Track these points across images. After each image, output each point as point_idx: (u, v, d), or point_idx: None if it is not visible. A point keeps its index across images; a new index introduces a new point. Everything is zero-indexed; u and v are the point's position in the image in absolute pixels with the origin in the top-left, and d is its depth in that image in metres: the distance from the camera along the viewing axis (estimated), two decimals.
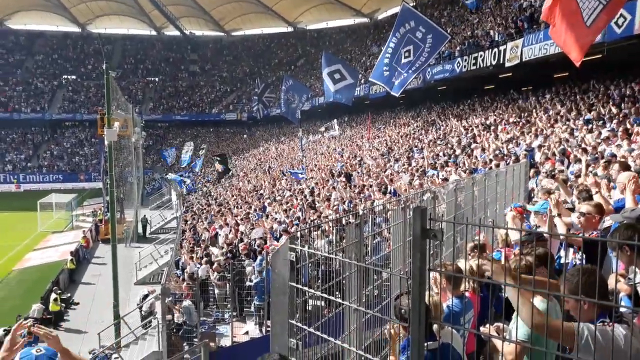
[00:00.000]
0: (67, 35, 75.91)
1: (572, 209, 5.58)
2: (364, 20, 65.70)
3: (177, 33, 77.18)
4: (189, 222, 26.79)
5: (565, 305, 2.82)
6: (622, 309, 2.73)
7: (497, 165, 12.73)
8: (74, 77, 70.96)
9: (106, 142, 18.52)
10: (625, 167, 6.90)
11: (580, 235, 4.64)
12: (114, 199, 19.43)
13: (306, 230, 5.08)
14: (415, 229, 2.26)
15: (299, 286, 3.35)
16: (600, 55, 16.08)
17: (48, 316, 17.69)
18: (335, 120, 34.89)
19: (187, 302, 12.64)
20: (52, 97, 67.75)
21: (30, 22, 73.02)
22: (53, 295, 18.27)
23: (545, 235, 4.66)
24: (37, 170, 61.19)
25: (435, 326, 3.14)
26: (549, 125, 16.79)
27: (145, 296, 16.57)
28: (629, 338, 2.45)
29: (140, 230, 32.82)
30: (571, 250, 4.78)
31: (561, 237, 4.75)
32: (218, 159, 41.98)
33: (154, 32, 78.95)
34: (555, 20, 6.97)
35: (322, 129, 34.99)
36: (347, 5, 64.94)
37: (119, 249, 18.73)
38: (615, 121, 13.83)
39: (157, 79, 74.11)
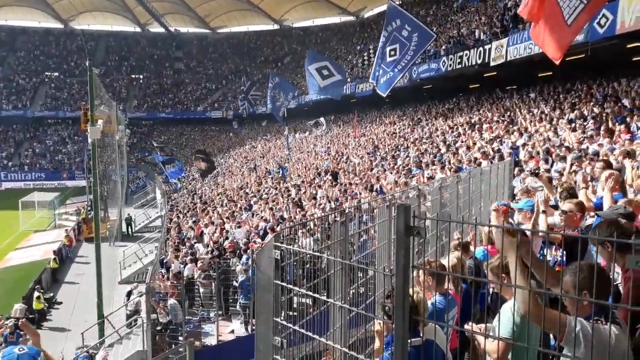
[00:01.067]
0: (50, 31, 74.80)
1: (556, 207, 5.65)
2: (350, 19, 65.76)
3: (161, 30, 76.47)
4: (173, 221, 26.61)
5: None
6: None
7: (479, 164, 12.83)
8: (56, 74, 70.00)
9: (89, 140, 18.32)
10: (607, 165, 7.01)
11: (561, 232, 4.70)
12: (97, 197, 19.22)
13: (292, 228, 5.07)
14: (399, 226, 2.27)
15: (284, 284, 3.35)
16: (583, 55, 16.30)
17: (31, 316, 17.45)
18: (322, 119, 34.87)
19: (172, 301, 12.55)
20: (34, 94, 66.77)
21: (12, 18, 71.87)
22: (36, 294, 18.04)
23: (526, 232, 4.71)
24: (18, 169, 60.28)
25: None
26: (533, 124, 16.96)
27: (130, 292, 16.46)
28: (620, 338, 2.48)
29: (124, 229, 32.52)
30: (553, 247, 4.83)
31: (542, 234, 4.80)
32: (201, 156, 41.29)
33: (138, 29, 78.17)
34: (535, 16, 7.05)
35: (312, 123, 35.04)
36: (333, 3, 64.94)
37: (103, 248, 18.56)
38: (597, 120, 14.02)
39: (141, 76, 73.41)
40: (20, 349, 2.95)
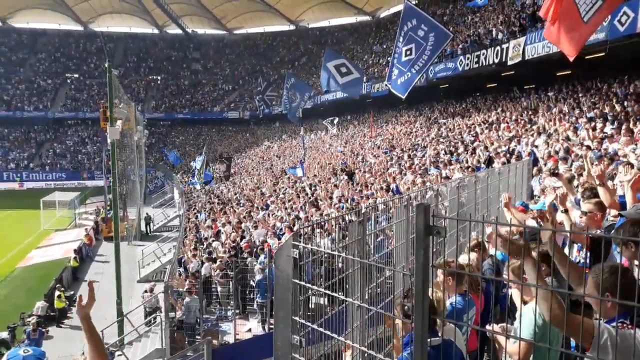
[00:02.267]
0: (70, 33, 76.03)
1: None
2: (366, 19, 65.66)
3: (179, 31, 77.20)
4: (191, 220, 26.83)
5: (587, 298, 2.76)
6: None
7: (504, 163, 12.69)
8: (76, 75, 71.08)
9: (109, 141, 18.57)
10: (630, 165, 6.88)
11: (585, 231, 4.62)
12: (116, 196, 19.45)
13: (309, 228, 5.08)
14: (419, 226, 2.26)
15: (303, 283, 3.35)
16: (603, 54, 16.05)
17: (52, 313, 17.74)
18: (336, 119, 34.94)
19: (187, 299, 12.66)
20: (55, 96, 67.91)
21: (33, 21, 73.17)
22: (57, 292, 18.31)
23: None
24: (39, 169, 61.33)
25: (437, 322, 3.14)
26: (552, 123, 16.74)
27: (146, 291, 16.63)
28: None
29: (143, 228, 32.86)
30: (575, 247, 4.76)
31: (565, 234, 4.74)
32: (225, 161, 42.35)
33: (156, 31, 79.04)
34: (552, 17, 6.94)
35: (328, 121, 35.26)
36: (349, 3, 64.91)
37: (122, 247, 18.75)
38: (618, 119, 13.79)
39: (159, 78, 74.14)
40: (25, 351, 2.96)
